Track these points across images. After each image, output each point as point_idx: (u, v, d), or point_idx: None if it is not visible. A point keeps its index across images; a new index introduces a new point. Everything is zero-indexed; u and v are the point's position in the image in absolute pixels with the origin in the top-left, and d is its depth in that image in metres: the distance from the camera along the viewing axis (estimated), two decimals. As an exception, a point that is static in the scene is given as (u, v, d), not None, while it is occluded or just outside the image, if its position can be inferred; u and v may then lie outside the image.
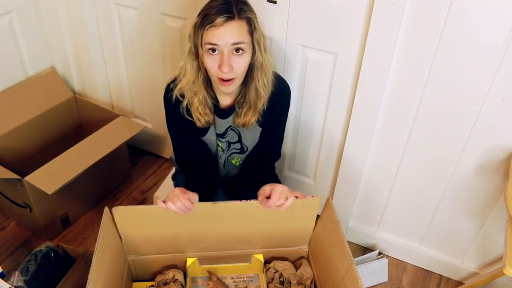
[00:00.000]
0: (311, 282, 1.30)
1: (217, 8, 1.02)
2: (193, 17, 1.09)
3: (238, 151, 1.30)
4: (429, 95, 1.25)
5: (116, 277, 1.21)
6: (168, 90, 1.20)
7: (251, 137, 1.27)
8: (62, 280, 1.33)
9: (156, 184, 1.94)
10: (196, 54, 1.10)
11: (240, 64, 1.07)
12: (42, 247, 1.39)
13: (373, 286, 1.56)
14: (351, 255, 1.09)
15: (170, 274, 1.29)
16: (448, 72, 1.19)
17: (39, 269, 1.35)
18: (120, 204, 1.81)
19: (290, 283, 1.29)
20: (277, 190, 1.10)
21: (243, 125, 1.21)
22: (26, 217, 1.62)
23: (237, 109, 1.20)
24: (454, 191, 1.40)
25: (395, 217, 1.57)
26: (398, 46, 1.21)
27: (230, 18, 1.02)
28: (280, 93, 1.21)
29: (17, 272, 1.31)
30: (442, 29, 1.14)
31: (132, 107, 1.98)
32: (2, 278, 1.28)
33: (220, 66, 1.05)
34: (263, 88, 1.15)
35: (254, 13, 1.08)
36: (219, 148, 1.30)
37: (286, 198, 1.09)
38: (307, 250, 1.35)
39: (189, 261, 1.29)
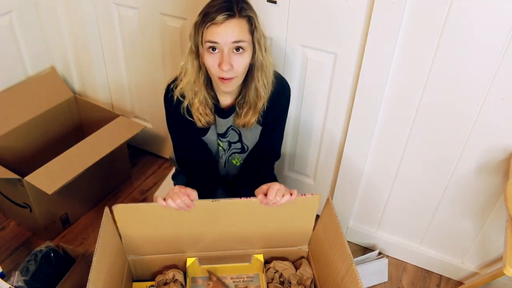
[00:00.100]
0: (311, 282, 1.30)
1: (218, 7, 1.02)
2: (193, 17, 1.09)
3: (238, 150, 1.30)
4: (429, 95, 1.25)
5: (116, 277, 1.21)
6: (169, 90, 1.20)
7: (252, 136, 1.27)
8: (62, 280, 1.33)
9: (156, 184, 1.94)
10: (196, 53, 1.10)
11: (240, 63, 1.07)
12: (42, 247, 1.39)
13: (373, 286, 1.56)
14: (351, 255, 1.09)
15: (170, 274, 1.29)
16: (448, 72, 1.19)
17: (39, 269, 1.35)
18: (120, 204, 1.81)
19: (290, 283, 1.29)
20: (274, 188, 1.11)
21: (243, 126, 1.21)
22: (26, 217, 1.62)
23: (237, 109, 1.20)
24: (454, 191, 1.40)
25: (395, 217, 1.57)
26: (398, 46, 1.21)
27: (230, 16, 1.02)
28: (280, 93, 1.21)
29: (17, 272, 1.31)
30: (442, 29, 1.14)
31: (132, 107, 1.98)
32: (2, 278, 1.28)
33: (220, 65, 1.05)
34: (263, 89, 1.15)
35: (254, 13, 1.08)
36: (220, 148, 1.30)
37: (283, 196, 1.10)
38: (307, 250, 1.35)
39: (189, 261, 1.29)
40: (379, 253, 1.63)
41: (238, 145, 1.29)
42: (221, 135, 1.27)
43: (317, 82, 1.42)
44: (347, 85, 1.37)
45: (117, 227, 1.20)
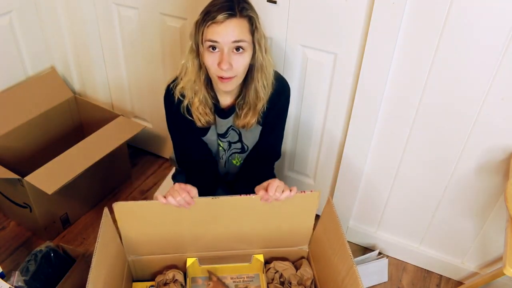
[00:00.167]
0: (311, 283, 1.30)
1: (219, 6, 1.03)
2: (193, 17, 1.09)
3: (238, 150, 1.30)
4: (429, 95, 1.25)
5: (116, 277, 1.21)
6: (169, 90, 1.20)
7: (252, 136, 1.27)
8: (62, 280, 1.33)
9: (156, 184, 1.94)
10: (197, 52, 1.10)
11: (240, 63, 1.07)
12: (42, 247, 1.39)
13: (373, 286, 1.56)
14: (352, 256, 1.09)
15: (170, 274, 1.29)
16: (448, 72, 1.19)
17: (39, 269, 1.35)
18: (120, 204, 1.81)
19: (290, 283, 1.29)
20: (274, 184, 1.11)
21: (243, 127, 1.21)
22: (26, 217, 1.62)
23: (237, 110, 1.20)
24: (454, 191, 1.40)
25: (395, 217, 1.57)
26: (398, 46, 1.21)
27: (231, 15, 1.02)
28: (280, 93, 1.21)
29: (17, 272, 1.31)
30: (442, 29, 1.14)
31: (132, 107, 1.98)
32: (2, 278, 1.28)
33: (219, 64, 1.05)
34: (262, 90, 1.15)
35: (255, 13, 1.08)
36: (220, 148, 1.30)
37: (283, 192, 1.10)
38: (307, 250, 1.35)
39: (189, 261, 1.29)
40: (379, 253, 1.63)
41: (238, 145, 1.29)
42: (221, 135, 1.27)
43: (317, 82, 1.42)
44: (347, 85, 1.37)
45: (117, 227, 1.20)
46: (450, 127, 1.28)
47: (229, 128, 1.25)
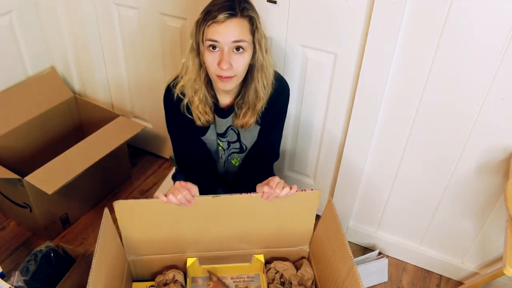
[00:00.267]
0: (312, 283, 1.30)
1: (220, 5, 1.03)
2: (193, 17, 1.09)
3: (237, 150, 1.30)
4: (429, 95, 1.25)
5: (116, 277, 1.21)
6: (169, 89, 1.20)
7: (250, 136, 1.27)
8: (62, 280, 1.33)
9: (156, 184, 1.94)
10: (197, 51, 1.10)
11: (240, 63, 1.07)
12: (42, 247, 1.39)
13: (373, 286, 1.56)
14: (353, 257, 1.09)
15: (170, 274, 1.28)
16: (448, 72, 1.19)
17: (39, 269, 1.35)
18: (120, 204, 1.81)
19: (291, 284, 1.29)
20: (274, 180, 1.13)
21: (242, 126, 1.21)
22: (26, 217, 1.62)
23: (236, 110, 1.20)
24: (454, 191, 1.40)
25: (395, 217, 1.57)
26: (398, 46, 1.21)
27: (232, 15, 1.02)
28: (279, 93, 1.21)
29: (17, 272, 1.31)
30: (442, 29, 1.14)
31: (132, 107, 1.98)
32: (2, 278, 1.28)
33: (219, 63, 1.05)
34: (262, 90, 1.15)
35: (256, 13, 1.09)
36: (219, 148, 1.30)
37: (283, 188, 1.11)
38: (308, 250, 1.35)
39: (189, 261, 1.29)
40: (379, 253, 1.63)
41: (237, 145, 1.29)
42: (220, 135, 1.27)
43: (317, 82, 1.42)
44: (347, 85, 1.37)
45: (117, 227, 1.20)
46: (450, 127, 1.28)
47: (228, 127, 1.25)
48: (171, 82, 1.20)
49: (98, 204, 1.83)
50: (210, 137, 1.26)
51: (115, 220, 1.18)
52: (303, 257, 1.37)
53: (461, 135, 1.28)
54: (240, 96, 1.18)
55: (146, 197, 1.87)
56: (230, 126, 1.24)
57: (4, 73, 1.77)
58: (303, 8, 1.30)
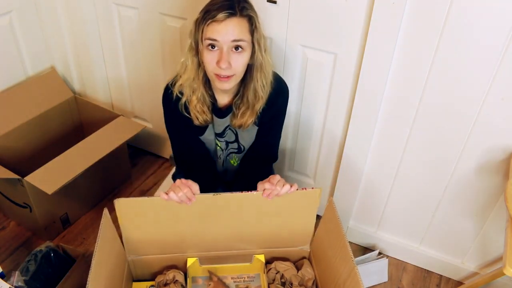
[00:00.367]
0: (312, 284, 1.30)
1: (220, 5, 1.03)
2: (193, 17, 1.09)
3: (235, 150, 1.30)
4: (429, 95, 1.25)
5: (116, 277, 1.21)
6: (167, 88, 1.20)
7: (248, 136, 1.27)
8: (62, 280, 1.33)
9: (156, 184, 1.94)
10: (196, 50, 1.10)
11: (239, 62, 1.07)
12: (42, 247, 1.39)
13: (373, 286, 1.56)
14: (353, 259, 1.09)
15: (170, 275, 1.28)
16: (448, 72, 1.19)
17: (39, 269, 1.35)
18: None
19: (291, 284, 1.29)
20: (275, 178, 1.13)
21: (240, 127, 1.21)
22: (26, 217, 1.62)
23: (234, 109, 1.20)
24: (454, 191, 1.40)
25: (395, 217, 1.57)
26: (398, 46, 1.21)
27: (231, 14, 1.02)
28: (278, 94, 1.21)
29: (17, 272, 1.31)
30: (442, 29, 1.14)
31: (132, 107, 1.98)
32: (2, 278, 1.28)
33: (218, 62, 1.05)
34: (261, 89, 1.15)
35: (255, 13, 1.09)
36: (218, 147, 1.30)
37: (283, 186, 1.11)
38: (309, 250, 1.35)
39: (190, 261, 1.29)
40: (379, 253, 1.63)
41: (235, 145, 1.29)
42: (218, 135, 1.27)
43: (317, 82, 1.42)
44: (347, 85, 1.37)
45: (117, 226, 1.19)
46: (450, 127, 1.28)
47: (226, 127, 1.25)
48: (170, 81, 1.20)
49: (98, 204, 1.83)
50: (208, 137, 1.26)
51: (115, 220, 1.18)
52: (303, 257, 1.37)
53: (461, 135, 1.28)
54: (238, 96, 1.18)
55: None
56: (228, 126, 1.24)
57: (4, 73, 1.77)
58: (303, 8, 1.30)
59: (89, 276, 1.01)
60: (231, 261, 1.32)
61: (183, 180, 1.12)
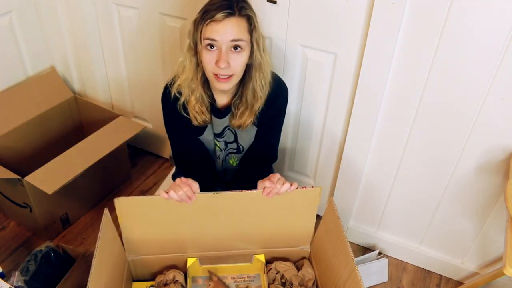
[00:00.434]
0: (313, 284, 1.30)
1: (218, 5, 1.03)
2: (192, 17, 1.09)
3: (234, 151, 1.30)
4: (429, 95, 1.25)
5: (116, 277, 1.21)
6: (166, 89, 1.20)
7: (247, 136, 1.27)
8: (62, 280, 1.33)
9: (156, 184, 1.94)
10: (195, 50, 1.10)
11: (238, 62, 1.07)
12: (42, 247, 1.39)
13: (373, 286, 1.56)
14: (354, 259, 1.09)
15: (170, 275, 1.28)
16: (448, 72, 1.19)
17: (39, 269, 1.35)
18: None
19: (292, 284, 1.29)
20: (275, 176, 1.13)
21: (239, 127, 1.21)
22: (26, 217, 1.62)
23: (233, 110, 1.20)
24: (454, 191, 1.40)
25: (395, 217, 1.57)
26: (398, 46, 1.21)
27: (230, 14, 1.02)
28: (277, 94, 1.21)
29: (17, 272, 1.31)
30: (442, 29, 1.14)
31: (132, 107, 1.98)
32: (2, 278, 1.28)
33: (217, 62, 1.05)
34: (260, 89, 1.15)
35: (254, 13, 1.09)
36: (217, 148, 1.30)
37: (283, 185, 1.12)
38: (309, 250, 1.35)
39: (190, 261, 1.29)
40: (379, 253, 1.63)
41: (234, 145, 1.29)
42: (217, 135, 1.27)
43: (317, 82, 1.42)
44: (347, 85, 1.37)
45: (117, 226, 1.19)
46: (450, 127, 1.28)
47: (225, 128, 1.25)
48: (169, 81, 1.20)
49: (98, 204, 1.83)
50: (207, 137, 1.26)
51: (115, 220, 1.18)
52: (304, 257, 1.37)
53: (461, 135, 1.28)
54: (237, 96, 1.18)
55: (146, 197, 1.88)
56: (227, 126, 1.24)
57: (4, 73, 1.77)
58: (303, 8, 1.30)
59: (89, 276, 1.01)
60: (231, 261, 1.32)
61: (183, 178, 1.12)
